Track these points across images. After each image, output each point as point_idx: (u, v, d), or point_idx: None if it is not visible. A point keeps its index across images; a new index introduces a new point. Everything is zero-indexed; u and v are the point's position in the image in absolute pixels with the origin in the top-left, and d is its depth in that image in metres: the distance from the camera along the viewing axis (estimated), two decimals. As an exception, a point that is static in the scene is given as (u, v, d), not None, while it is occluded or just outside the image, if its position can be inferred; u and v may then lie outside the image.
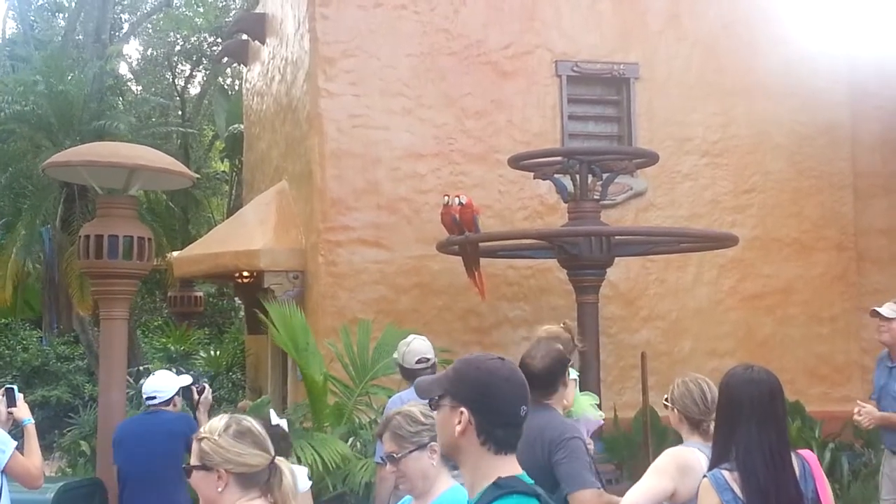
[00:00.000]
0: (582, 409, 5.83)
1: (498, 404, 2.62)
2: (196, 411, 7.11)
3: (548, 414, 4.63)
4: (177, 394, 6.81)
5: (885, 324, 7.28)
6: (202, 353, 17.37)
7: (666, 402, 4.51)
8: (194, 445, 3.20)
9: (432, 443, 3.45)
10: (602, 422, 5.56)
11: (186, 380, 7.09)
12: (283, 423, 5.30)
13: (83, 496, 6.91)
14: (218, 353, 16.89)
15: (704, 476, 3.84)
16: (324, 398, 8.67)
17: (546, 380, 4.65)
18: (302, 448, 7.83)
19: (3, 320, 19.34)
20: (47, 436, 15.36)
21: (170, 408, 6.77)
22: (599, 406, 6.01)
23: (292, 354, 9.07)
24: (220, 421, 3.20)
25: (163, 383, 6.82)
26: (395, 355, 6.50)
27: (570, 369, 5.99)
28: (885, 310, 7.28)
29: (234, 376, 15.96)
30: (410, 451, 3.49)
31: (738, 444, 3.76)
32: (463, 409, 2.61)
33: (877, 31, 11.85)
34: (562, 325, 6.09)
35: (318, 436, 8.14)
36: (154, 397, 6.75)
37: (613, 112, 11.57)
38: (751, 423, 3.78)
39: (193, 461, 3.18)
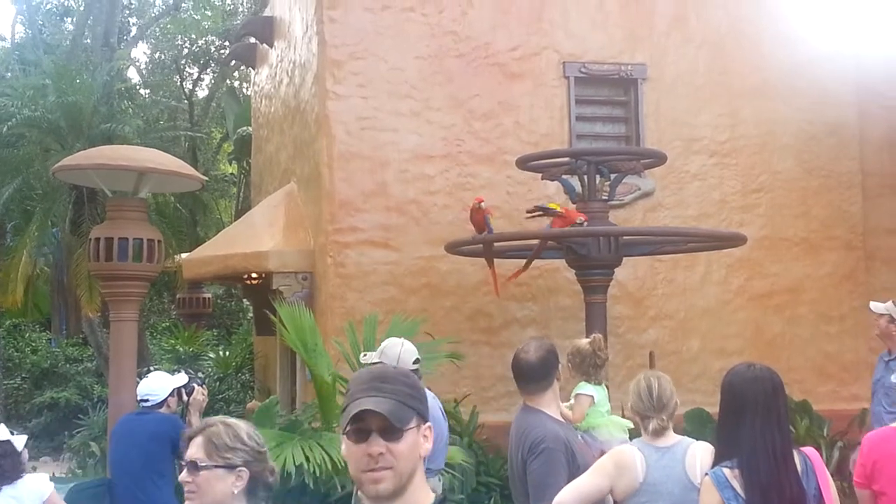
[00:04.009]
0: (595, 426, 5.82)
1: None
2: (186, 412, 7.14)
3: (534, 416, 4.65)
4: (171, 395, 6.82)
5: (875, 318, 7.64)
6: (211, 355, 17.46)
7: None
8: None
9: (241, 468, 3.18)
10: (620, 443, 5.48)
11: (182, 379, 7.06)
12: (17, 441, 5.43)
13: (93, 497, 6.93)
14: (227, 354, 16.96)
15: (706, 474, 3.86)
16: (333, 398, 8.68)
17: (540, 371, 4.67)
18: (311, 448, 7.87)
19: (12, 322, 19.42)
20: (56, 437, 15.47)
21: (163, 409, 6.78)
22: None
23: (302, 355, 9.09)
24: None
25: (156, 385, 6.82)
26: (380, 358, 6.14)
27: (586, 385, 6.02)
28: (874, 305, 7.63)
29: (242, 377, 16.02)
30: (217, 467, 3.16)
31: (743, 441, 3.78)
32: (429, 423, 2.49)
33: (883, 30, 11.85)
34: (591, 338, 6.13)
35: (327, 435, 8.16)
36: (146, 400, 6.77)
37: (621, 113, 11.58)
38: (755, 420, 3.80)
39: None
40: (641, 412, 4.38)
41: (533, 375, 4.69)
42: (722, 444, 3.89)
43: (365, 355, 6.60)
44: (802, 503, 3.74)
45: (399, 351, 6.11)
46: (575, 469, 4.47)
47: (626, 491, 4.24)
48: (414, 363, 6.13)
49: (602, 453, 5.35)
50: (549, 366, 4.69)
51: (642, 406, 4.38)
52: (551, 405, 4.71)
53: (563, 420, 4.84)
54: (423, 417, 2.46)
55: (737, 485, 3.72)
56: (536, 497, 4.43)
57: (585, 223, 8.81)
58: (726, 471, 3.76)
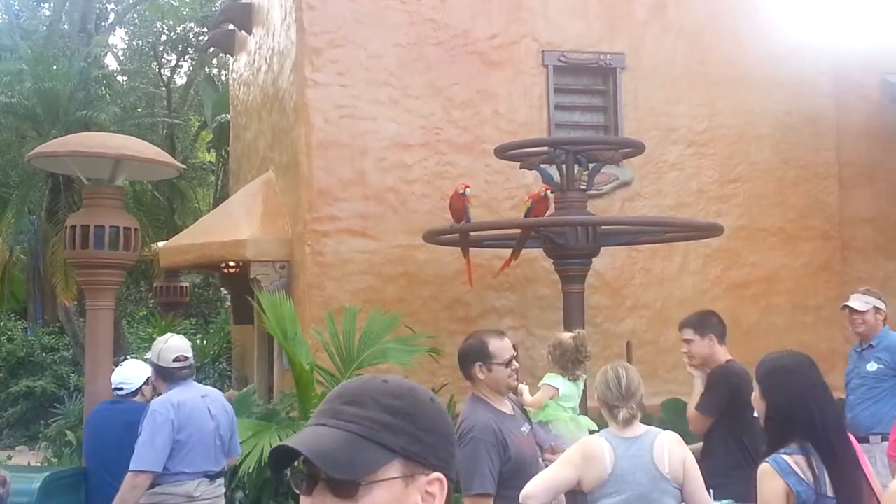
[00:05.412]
0: (553, 419, 5.81)
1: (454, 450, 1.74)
2: None
3: (474, 406, 4.78)
4: (145, 383, 6.80)
5: (859, 316, 7.45)
6: (189, 344, 17.36)
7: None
8: None
9: None
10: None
11: None
12: None
13: (69, 486, 6.91)
14: (204, 343, 16.91)
15: (765, 461, 3.81)
16: (311, 387, 8.68)
17: (460, 361, 4.85)
18: (288, 437, 7.85)
19: (-12, 310, 19.30)
20: (32, 426, 15.40)
21: (137, 398, 6.76)
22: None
23: (282, 343, 9.08)
24: None
25: (130, 374, 6.80)
26: (149, 355, 6.14)
27: (556, 377, 6.00)
28: (857, 303, 7.45)
29: (220, 366, 15.99)
30: None
31: (815, 425, 3.79)
32: (439, 475, 1.67)
33: (860, 20, 11.90)
34: (574, 333, 6.11)
35: (305, 425, 8.13)
36: (121, 388, 6.74)
37: (600, 102, 11.58)
38: (818, 403, 3.84)
39: None
40: (610, 402, 4.42)
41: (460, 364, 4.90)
42: (776, 432, 3.87)
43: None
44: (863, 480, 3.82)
45: (160, 348, 5.89)
46: (506, 460, 4.55)
47: (595, 482, 4.26)
48: (175, 361, 5.89)
49: (552, 448, 5.37)
50: (463, 357, 4.83)
51: (611, 396, 4.41)
52: (492, 396, 4.78)
53: (506, 411, 4.84)
54: (421, 461, 1.64)
55: (798, 470, 3.71)
56: (463, 485, 4.51)
57: (548, 192, 8.90)
58: (786, 458, 3.74)
